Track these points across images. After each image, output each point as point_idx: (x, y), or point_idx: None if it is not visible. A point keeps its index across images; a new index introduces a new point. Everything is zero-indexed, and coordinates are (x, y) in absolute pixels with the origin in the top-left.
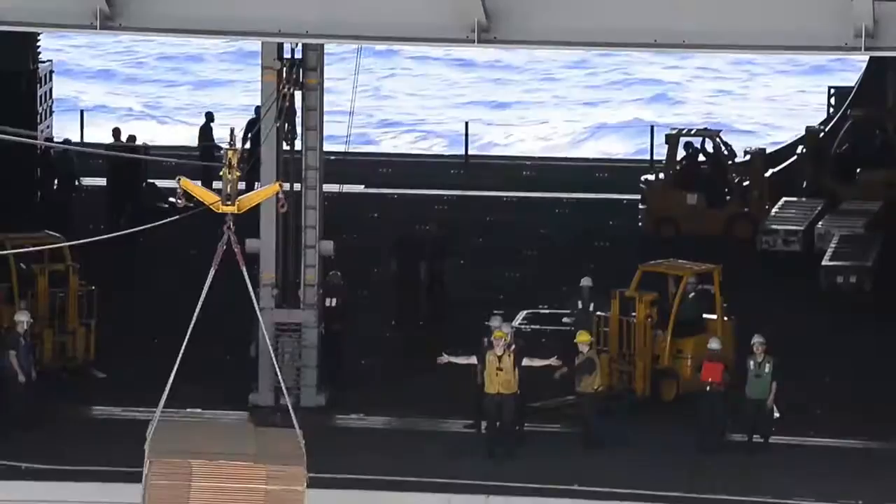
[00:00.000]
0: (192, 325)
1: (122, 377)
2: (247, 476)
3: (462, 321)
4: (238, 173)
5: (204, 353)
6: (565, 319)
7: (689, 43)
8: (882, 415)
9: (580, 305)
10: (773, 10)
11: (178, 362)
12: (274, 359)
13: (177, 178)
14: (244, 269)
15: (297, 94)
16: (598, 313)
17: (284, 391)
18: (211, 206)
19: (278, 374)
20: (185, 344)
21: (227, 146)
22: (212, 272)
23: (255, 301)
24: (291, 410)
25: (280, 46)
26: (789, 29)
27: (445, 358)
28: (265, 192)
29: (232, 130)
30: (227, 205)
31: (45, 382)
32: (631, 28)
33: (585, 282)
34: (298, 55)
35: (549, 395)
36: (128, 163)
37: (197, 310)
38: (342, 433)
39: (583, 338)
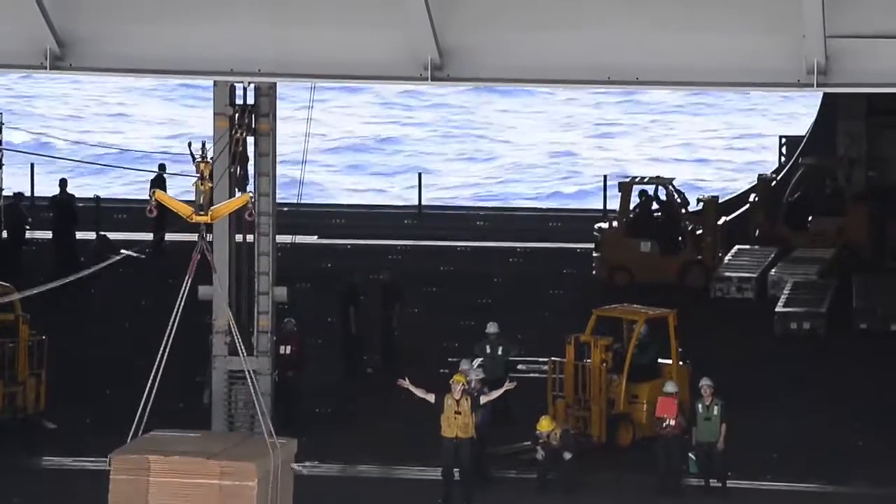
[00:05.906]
0: (167, 342)
1: (72, 427)
2: (201, 472)
3: (416, 369)
4: (210, 184)
5: (156, 398)
6: (520, 367)
7: (643, 80)
8: (838, 458)
9: (488, 351)
10: (725, 47)
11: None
12: (257, 399)
13: (152, 191)
14: (216, 277)
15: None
16: (545, 359)
17: (268, 431)
18: (185, 217)
19: (262, 417)
20: (162, 358)
21: (199, 159)
22: (187, 280)
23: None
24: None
25: (232, 92)
26: (742, 65)
27: (406, 383)
28: (236, 202)
29: (203, 144)
30: (200, 215)
31: None
32: (584, 65)
33: (491, 328)
34: (251, 101)
35: (505, 440)
36: (63, 214)
37: (173, 323)
38: (296, 481)
39: (545, 426)
